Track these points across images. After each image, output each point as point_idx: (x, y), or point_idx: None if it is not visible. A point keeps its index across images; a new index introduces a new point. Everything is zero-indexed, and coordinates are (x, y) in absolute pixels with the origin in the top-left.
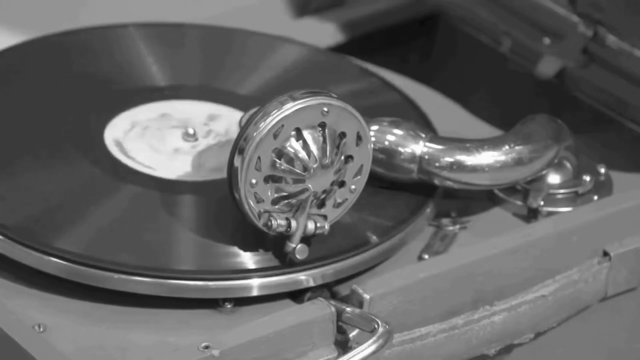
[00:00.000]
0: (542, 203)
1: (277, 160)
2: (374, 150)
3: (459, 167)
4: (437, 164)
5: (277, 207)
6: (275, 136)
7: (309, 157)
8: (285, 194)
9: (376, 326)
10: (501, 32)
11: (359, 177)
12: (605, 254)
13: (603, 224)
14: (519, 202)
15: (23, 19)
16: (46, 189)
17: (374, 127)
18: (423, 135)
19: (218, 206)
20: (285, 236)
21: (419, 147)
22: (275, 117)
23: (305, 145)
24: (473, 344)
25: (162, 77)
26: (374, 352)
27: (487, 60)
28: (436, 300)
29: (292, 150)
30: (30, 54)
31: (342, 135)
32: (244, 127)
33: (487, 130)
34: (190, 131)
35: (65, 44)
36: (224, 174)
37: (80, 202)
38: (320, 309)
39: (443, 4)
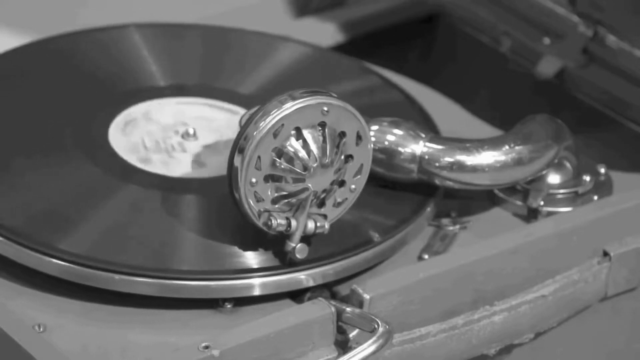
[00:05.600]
0: (542, 203)
1: (277, 159)
2: (374, 150)
3: (459, 167)
4: (437, 164)
5: (277, 206)
6: (275, 135)
7: (309, 156)
8: (285, 193)
9: (376, 326)
10: (501, 32)
11: (359, 176)
12: (605, 254)
13: (603, 224)
14: (519, 202)
15: (23, 20)
16: (46, 189)
17: (374, 127)
18: (423, 135)
19: (218, 206)
20: (285, 235)
21: (419, 147)
22: (275, 116)
23: (305, 145)
24: (473, 344)
25: (163, 77)
26: (374, 352)
27: (487, 60)
28: (436, 300)
29: (292, 150)
30: (32, 55)
31: (342, 134)
32: (244, 127)
33: (487, 130)
34: (190, 131)
35: (67, 45)
36: (224, 174)
37: (81, 202)
38: (320, 309)
39: (443, 4)
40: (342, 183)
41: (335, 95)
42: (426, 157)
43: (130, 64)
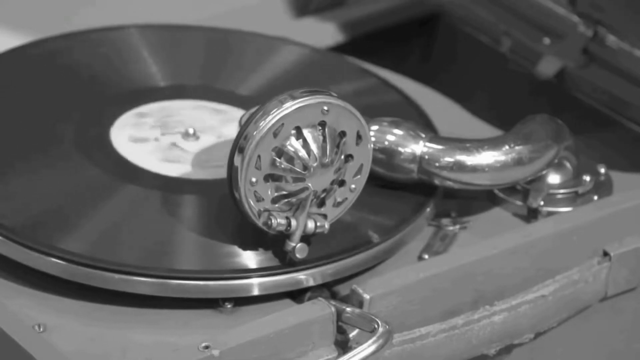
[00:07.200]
0: (542, 203)
1: (277, 159)
2: (374, 150)
3: (459, 167)
4: (437, 164)
5: (277, 206)
6: (275, 135)
7: (309, 155)
8: (285, 192)
9: (376, 326)
10: (501, 32)
11: (358, 176)
12: (605, 254)
13: (603, 224)
14: (519, 202)
15: (23, 20)
16: (46, 189)
17: (374, 127)
18: (423, 135)
19: (218, 206)
20: (285, 235)
21: (419, 147)
22: (275, 115)
23: (305, 144)
24: (473, 344)
25: (163, 78)
26: (374, 352)
27: (487, 60)
28: (436, 300)
29: (292, 149)
30: (32, 55)
31: (342, 134)
32: (244, 126)
33: (487, 130)
34: (190, 131)
35: (67, 46)
36: (224, 174)
37: (81, 202)
38: (320, 309)
39: (443, 4)
40: (342, 183)
41: (335, 95)
42: (426, 157)
43: (131, 65)
